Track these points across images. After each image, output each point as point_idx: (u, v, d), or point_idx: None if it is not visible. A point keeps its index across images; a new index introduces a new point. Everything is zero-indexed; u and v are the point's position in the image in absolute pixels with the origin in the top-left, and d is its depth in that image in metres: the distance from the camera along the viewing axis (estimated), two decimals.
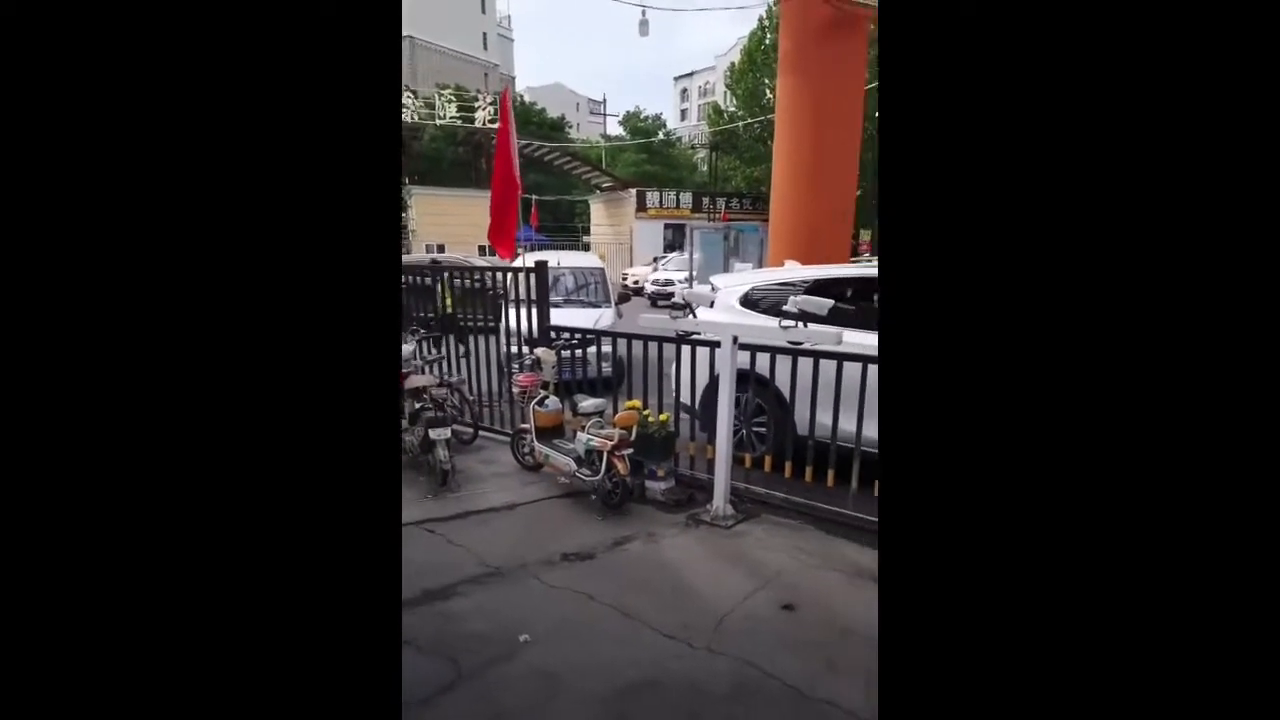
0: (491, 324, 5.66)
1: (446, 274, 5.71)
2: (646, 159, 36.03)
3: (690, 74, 56.86)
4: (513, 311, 4.91)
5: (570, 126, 39.76)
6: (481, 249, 18.19)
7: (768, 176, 14.57)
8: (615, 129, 42.28)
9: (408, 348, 4.65)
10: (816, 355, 3.54)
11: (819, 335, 3.40)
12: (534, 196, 22.86)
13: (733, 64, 27.88)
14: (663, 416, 4.01)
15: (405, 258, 13.26)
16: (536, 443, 4.11)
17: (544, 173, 29.21)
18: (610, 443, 3.61)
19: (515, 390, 4.40)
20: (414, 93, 24.02)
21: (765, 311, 4.41)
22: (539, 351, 4.33)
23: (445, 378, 4.84)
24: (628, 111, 41.57)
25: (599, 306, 7.25)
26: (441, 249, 19.03)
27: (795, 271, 4.92)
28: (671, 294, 15.47)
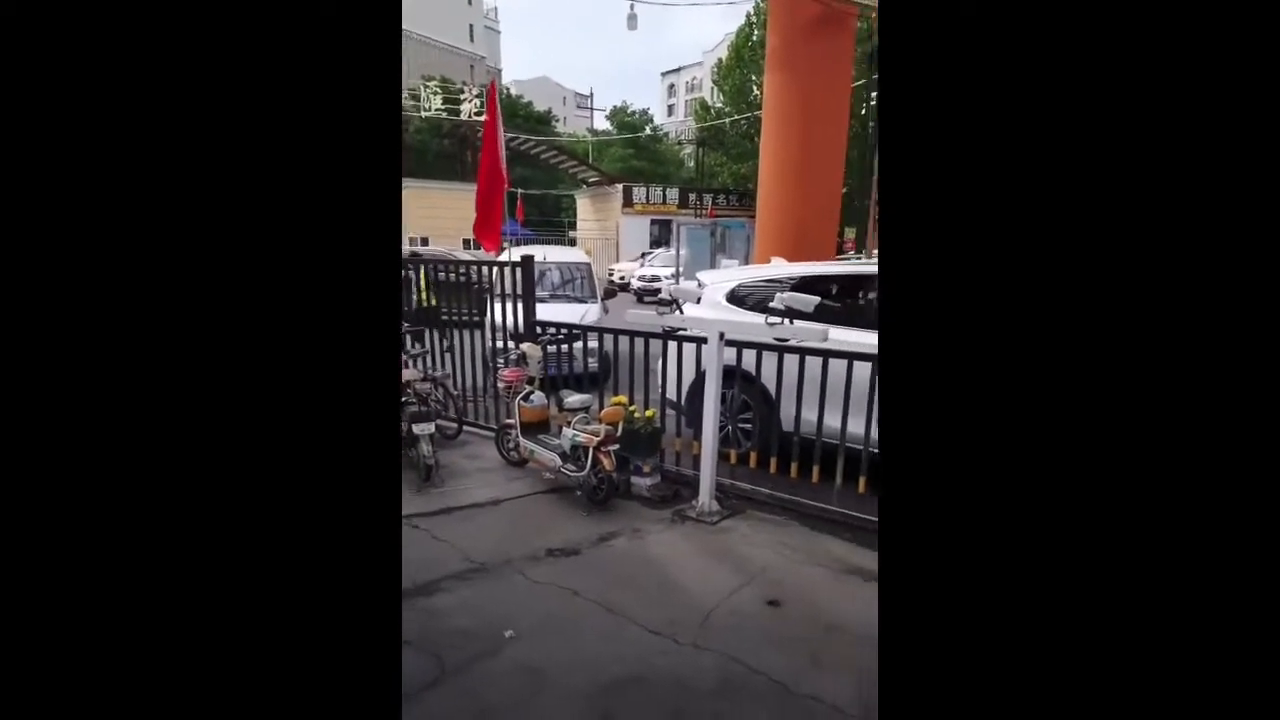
0: (476, 318, 5.63)
1: (423, 267, 5.65)
2: (633, 154, 36.03)
3: (678, 69, 56.92)
4: (498, 306, 4.88)
5: (557, 120, 39.70)
6: (466, 242, 18.07)
7: (754, 173, 14.62)
8: (602, 124, 42.23)
9: None
10: (802, 352, 3.56)
11: (805, 332, 3.41)
12: (520, 190, 22.76)
13: (720, 60, 27.94)
14: (649, 412, 4.01)
15: None
16: (522, 438, 4.10)
17: (530, 167, 29.09)
18: (596, 438, 3.60)
19: (500, 385, 4.38)
20: None
21: (751, 308, 4.41)
22: (524, 346, 4.31)
23: (430, 372, 4.80)
24: (615, 106, 41.64)
25: (585, 302, 7.25)
26: (425, 242, 18.85)
27: (782, 268, 4.94)
28: (658, 290, 15.42)
